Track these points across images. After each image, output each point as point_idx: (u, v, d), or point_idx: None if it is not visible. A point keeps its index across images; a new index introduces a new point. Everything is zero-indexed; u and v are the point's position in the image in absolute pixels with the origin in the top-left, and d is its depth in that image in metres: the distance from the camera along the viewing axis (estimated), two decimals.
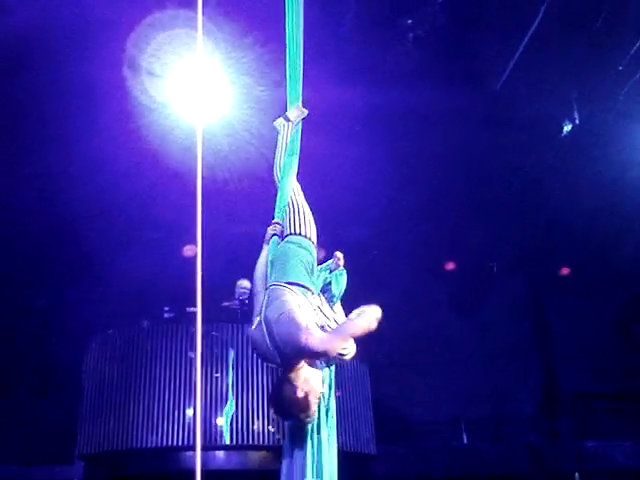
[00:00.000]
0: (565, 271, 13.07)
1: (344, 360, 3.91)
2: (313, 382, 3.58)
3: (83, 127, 8.60)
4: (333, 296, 4.16)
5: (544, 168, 10.24)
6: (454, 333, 12.38)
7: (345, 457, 8.66)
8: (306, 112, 4.49)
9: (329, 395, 3.97)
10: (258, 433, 8.11)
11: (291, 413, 3.63)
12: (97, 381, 8.83)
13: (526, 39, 7.83)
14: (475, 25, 7.89)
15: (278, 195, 4.37)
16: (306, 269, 3.95)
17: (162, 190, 9.67)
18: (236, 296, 9.45)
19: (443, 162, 10.01)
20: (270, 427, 8.18)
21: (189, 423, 8.12)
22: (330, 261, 4.30)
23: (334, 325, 3.88)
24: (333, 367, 4.05)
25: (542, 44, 7.82)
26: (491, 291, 12.93)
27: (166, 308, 9.22)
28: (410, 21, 7.82)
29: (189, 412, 8.18)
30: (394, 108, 8.62)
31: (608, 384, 12.11)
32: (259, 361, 8.42)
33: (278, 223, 4.28)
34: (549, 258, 12.85)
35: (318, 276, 4.16)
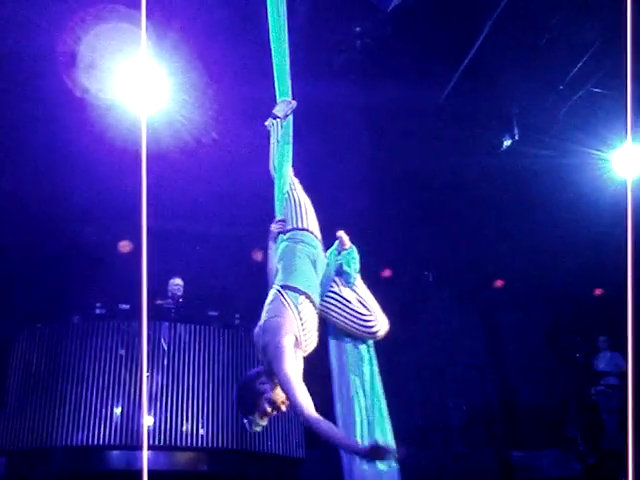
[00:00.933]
0: (499, 283, 13.29)
1: (377, 337, 4.14)
2: (278, 400, 3.62)
3: (27, 120, 8.47)
4: (349, 276, 4.17)
5: (483, 181, 10.39)
6: (391, 340, 12.43)
7: (273, 461, 8.66)
8: (294, 103, 4.50)
9: (371, 375, 4.11)
10: (187, 434, 8.03)
11: (239, 407, 3.71)
12: (23, 376, 8.62)
13: (471, 53, 7.94)
14: (420, 37, 7.97)
15: (275, 187, 4.38)
16: (311, 265, 4.01)
17: (102, 184, 9.53)
18: (169, 294, 9.37)
19: (383, 168, 10.08)
20: (201, 429, 8.10)
21: (116, 422, 7.99)
22: (336, 243, 4.30)
23: (356, 305, 4.07)
24: (371, 342, 4.18)
25: (486, 58, 7.94)
26: (427, 301, 13.04)
27: (98, 304, 9.06)
28: (358, 29, 7.87)
29: (117, 410, 8.05)
30: (339, 111, 8.66)
31: (536, 396, 12.34)
32: (190, 361, 8.37)
33: (281, 220, 4.28)
34: (485, 271, 13.04)
35: (328, 264, 4.18)
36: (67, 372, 8.27)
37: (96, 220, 10.58)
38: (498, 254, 12.23)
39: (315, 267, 4.04)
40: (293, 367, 3.54)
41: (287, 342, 3.60)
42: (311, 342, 3.85)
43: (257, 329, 3.78)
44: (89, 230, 10.74)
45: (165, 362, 8.28)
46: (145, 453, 4.02)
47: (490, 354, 13.06)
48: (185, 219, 10.50)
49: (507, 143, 9.32)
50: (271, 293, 3.91)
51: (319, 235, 4.24)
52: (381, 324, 4.11)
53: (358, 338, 4.13)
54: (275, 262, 4.14)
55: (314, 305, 3.92)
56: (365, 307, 4.12)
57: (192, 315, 9.00)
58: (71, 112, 8.19)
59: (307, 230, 4.16)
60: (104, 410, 8.02)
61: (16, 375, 8.74)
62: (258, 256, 9.47)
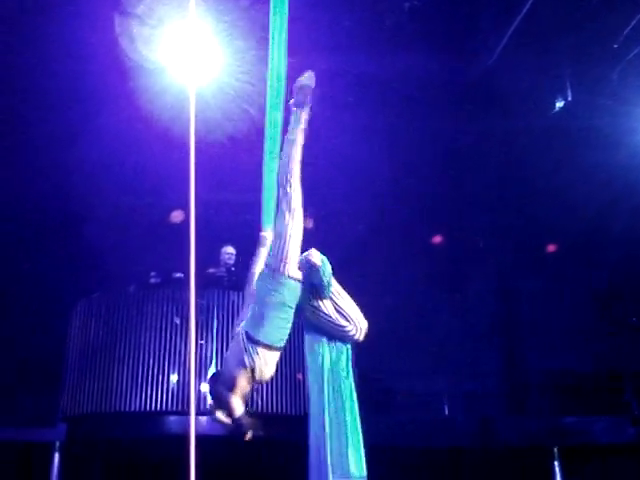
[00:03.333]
0: (551, 248, 13.12)
1: (357, 341, 4.12)
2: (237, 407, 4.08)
3: (73, 88, 8.51)
4: (324, 290, 4.07)
5: (534, 145, 10.24)
6: (434, 308, 12.43)
7: None
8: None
9: (346, 376, 4.12)
10: None
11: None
12: (82, 344, 8.83)
13: (522, 14, 7.78)
14: None
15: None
16: (283, 310, 4.06)
17: (152, 155, 9.60)
18: (222, 263, 9.45)
19: (433, 136, 9.98)
20: (254, 394, 8.21)
21: (173, 388, 8.14)
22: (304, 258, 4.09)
23: (335, 317, 4.11)
24: (349, 346, 4.18)
25: (538, 19, 7.78)
26: (472, 267, 12.97)
27: (153, 273, 9.20)
28: None
29: (173, 377, 8.19)
30: (387, 79, 8.58)
31: (590, 362, 12.21)
32: None
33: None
34: (530, 235, 12.89)
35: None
36: (124, 340, 8.44)
37: (149, 190, 10.68)
38: (551, 218, 12.07)
39: (291, 307, 4.07)
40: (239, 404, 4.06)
41: (235, 400, 4.06)
42: (268, 373, 4.10)
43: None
44: (141, 201, 10.87)
45: (219, 329, 8.38)
46: (192, 419, 4.12)
47: (543, 319, 12.94)
48: (236, 189, 10.56)
49: (560, 105, 9.14)
50: (237, 331, 4.09)
51: (299, 279, 4.03)
52: (360, 330, 4.08)
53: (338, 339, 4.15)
54: (254, 273, 4.28)
55: (277, 349, 4.06)
56: (344, 317, 4.11)
57: (244, 283, 9.07)
58: (122, 80, 8.23)
59: (287, 277, 3.97)
60: (161, 377, 8.18)
61: (75, 344, 8.96)
62: (307, 223, 9.46)
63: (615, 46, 8.28)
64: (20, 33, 7.82)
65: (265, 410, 8.21)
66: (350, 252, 10.06)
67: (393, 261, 12.02)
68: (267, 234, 4.42)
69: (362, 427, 3.99)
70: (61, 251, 10.64)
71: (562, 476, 10.63)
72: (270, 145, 4.34)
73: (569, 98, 9.00)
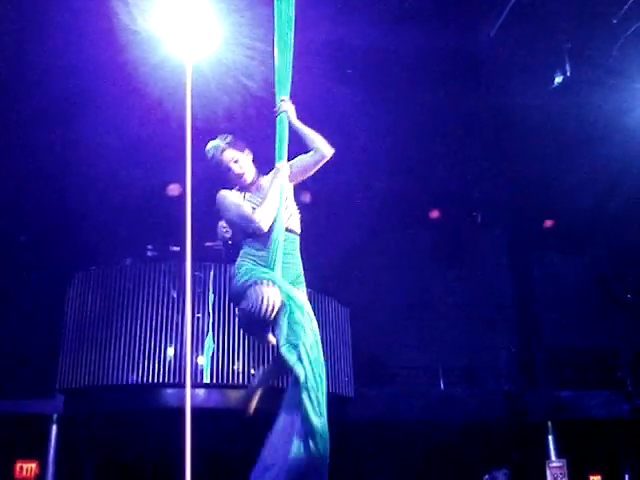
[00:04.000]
0: (548, 224, 13.12)
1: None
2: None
3: (69, 61, 8.45)
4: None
5: (532, 121, 10.20)
6: (436, 283, 12.47)
7: None
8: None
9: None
10: (238, 373, 8.19)
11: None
12: (79, 317, 8.86)
13: None
14: None
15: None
16: None
17: (149, 128, 9.55)
18: (219, 236, 9.44)
19: (432, 109, 9.93)
20: (251, 368, 8.25)
21: (169, 361, 8.18)
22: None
23: None
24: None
25: None
26: (474, 243, 12.99)
27: (149, 246, 9.21)
28: None
29: (170, 350, 8.23)
30: (387, 51, 8.52)
31: (586, 338, 12.28)
32: None
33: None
34: (533, 212, 12.89)
35: None
36: (121, 313, 8.47)
37: (144, 163, 10.65)
38: (549, 194, 12.06)
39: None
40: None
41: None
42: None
43: None
44: (136, 174, 10.84)
45: (215, 303, 8.41)
46: (188, 391, 4.12)
47: (539, 296, 12.99)
48: None
49: (558, 79, 9.09)
50: None
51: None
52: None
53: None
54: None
55: None
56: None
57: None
58: (118, 52, 8.18)
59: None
60: (157, 350, 8.22)
61: (72, 317, 8.99)
62: (306, 197, 9.45)
63: (614, 21, 8.23)
64: (13, 9, 7.75)
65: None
66: (352, 230, 10.09)
67: (395, 237, 12.05)
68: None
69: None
70: (58, 224, 10.63)
71: (556, 450, 10.73)
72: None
73: (568, 73, 8.95)
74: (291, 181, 4.18)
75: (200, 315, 8.39)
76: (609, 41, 8.62)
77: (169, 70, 7.81)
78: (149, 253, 9.23)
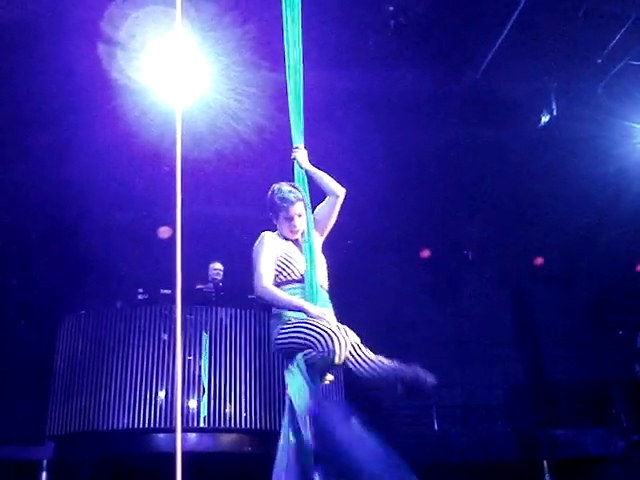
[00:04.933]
0: (539, 261, 13.18)
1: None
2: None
3: (59, 106, 8.50)
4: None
5: (520, 158, 10.30)
6: (429, 319, 12.45)
7: None
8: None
9: None
10: (231, 416, 8.12)
11: None
12: (69, 361, 8.78)
13: (507, 27, 7.84)
14: (456, 13, 7.89)
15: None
16: None
17: (139, 171, 9.60)
18: (209, 279, 9.44)
19: (421, 149, 10.02)
20: (243, 411, 8.18)
21: (161, 405, 8.10)
22: None
23: None
24: None
25: (523, 33, 7.84)
26: (466, 280, 13.01)
27: (140, 290, 9.18)
28: (391, 8, 7.79)
29: (161, 394, 8.16)
30: (374, 93, 8.61)
31: (579, 374, 12.24)
32: (231, 344, 8.45)
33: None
34: (523, 248, 12.94)
35: None
36: (111, 357, 8.40)
37: (135, 206, 10.68)
38: (538, 230, 12.13)
39: None
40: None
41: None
42: None
43: None
44: (127, 216, 10.85)
45: (207, 345, 8.37)
46: (179, 436, 4.06)
47: (532, 332, 12.98)
48: (224, 204, 10.57)
49: (545, 119, 9.21)
50: None
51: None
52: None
53: None
54: None
55: None
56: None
57: (232, 299, 9.08)
58: (109, 98, 8.24)
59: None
60: (149, 394, 8.14)
61: (61, 361, 8.91)
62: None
63: (599, 61, 8.36)
64: (9, 52, 7.81)
65: (252, 426, 8.18)
66: (342, 266, 10.07)
67: (389, 274, 12.05)
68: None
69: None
70: (48, 267, 10.61)
71: None
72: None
73: (554, 112, 9.07)
74: (320, 234, 4.35)
75: (191, 357, 8.33)
76: (594, 80, 8.75)
77: (159, 114, 7.88)
78: (139, 296, 9.19)
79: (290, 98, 4.37)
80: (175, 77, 5.55)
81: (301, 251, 4.23)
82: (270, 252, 4.23)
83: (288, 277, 4.15)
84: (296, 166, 4.37)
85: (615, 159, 9.92)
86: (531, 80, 8.93)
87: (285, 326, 3.99)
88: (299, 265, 4.17)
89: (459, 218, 11.86)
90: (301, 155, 4.37)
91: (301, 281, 4.11)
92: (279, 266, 4.20)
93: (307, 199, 4.29)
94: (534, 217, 11.67)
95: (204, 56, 7.59)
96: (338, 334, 3.78)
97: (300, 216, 4.24)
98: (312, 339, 3.80)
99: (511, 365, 12.66)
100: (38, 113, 8.62)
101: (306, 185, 4.32)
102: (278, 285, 4.15)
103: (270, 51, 7.15)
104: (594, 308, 13.00)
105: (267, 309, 8.38)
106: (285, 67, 4.39)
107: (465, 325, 12.53)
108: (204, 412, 8.07)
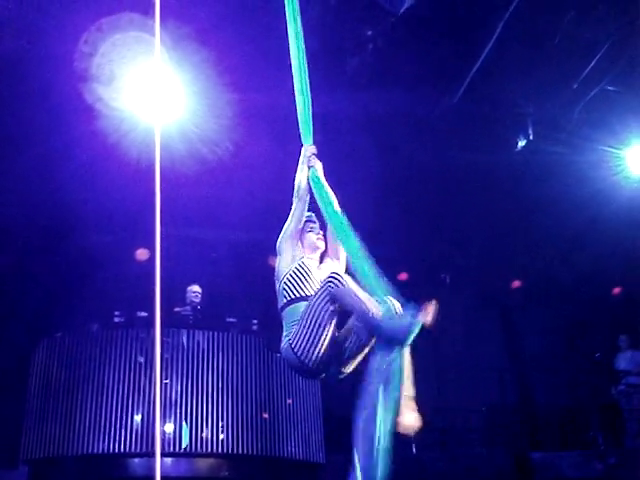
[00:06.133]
0: (516, 284, 13.26)
1: None
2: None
3: (37, 128, 8.48)
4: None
5: (498, 181, 10.37)
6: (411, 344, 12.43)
7: (293, 466, 8.66)
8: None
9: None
10: (207, 440, 8.05)
11: None
12: (44, 384, 8.68)
13: (484, 53, 7.92)
14: (434, 39, 7.96)
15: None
16: None
17: (116, 193, 9.57)
18: (187, 301, 9.39)
19: (399, 173, 10.06)
20: (220, 435, 8.12)
21: (137, 429, 8.02)
22: None
23: None
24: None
25: (500, 59, 7.92)
26: (443, 304, 13.01)
27: (116, 312, 9.11)
28: (370, 32, 7.85)
29: (137, 418, 8.08)
30: (352, 117, 8.66)
31: (555, 396, 12.28)
32: (209, 368, 8.40)
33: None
34: (500, 271, 13.01)
35: None
36: (87, 380, 8.31)
37: (113, 229, 10.63)
38: (514, 254, 12.20)
39: None
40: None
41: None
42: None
43: None
44: (105, 239, 10.80)
45: (184, 369, 8.31)
46: (158, 460, 4.01)
47: (509, 355, 13.02)
48: (202, 226, 10.55)
49: (522, 143, 9.30)
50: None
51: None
52: None
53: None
54: None
55: None
56: None
57: (210, 322, 9.04)
58: (85, 122, 8.23)
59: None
60: (124, 417, 8.05)
61: (36, 384, 8.81)
62: (274, 262, 9.46)
63: (575, 86, 8.46)
64: None
65: (233, 451, 8.12)
66: None
67: None
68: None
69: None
70: (24, 289, 10.51)
71: None
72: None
73: (531, 137, 9.17)
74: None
75: (168, 381, 8.26)
76: (570, 105, 8.86)
77: (137, 136, 7.87)
78: (116, 319, 9.12)
79: (297, 94, 4.47)
80: (153, 99, 5.56)
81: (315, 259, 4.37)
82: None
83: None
84: (311, 178, 4.40)
85: (591, 182, 10.02)
86: (508, 105, 9.03)
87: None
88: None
89: (436, 240, 11.91)
90: (318, 165, 4.45)
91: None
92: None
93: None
94: (512, 240, 11.74)
95: (182, 79, 7.60)
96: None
97: (318, 235, 4.43)
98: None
99: (489, 389, 12.67)
100: (15, 136, 8.59)
101: (326, 195, 4.36)
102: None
103: (248, 74, 7.22)
104: (571, 330, 13.07)
105: (244, 332, 8.33)
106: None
107: (443, 348, 12.53)
108: (185, 437, 8.01)
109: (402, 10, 7.12)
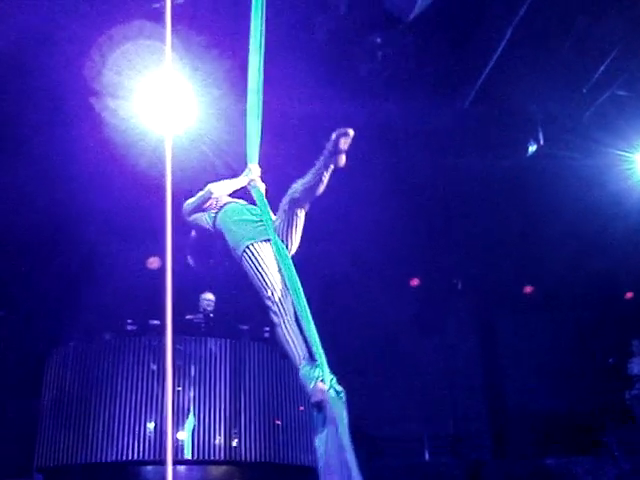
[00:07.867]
0: (528, 289, 13.21)
1: None
2: None
3: (51, 138, 8.52)
4: None
5: (509, 187, 10.36)
6: (416, 350, 12.42)
7: (302, 472, 8.65)
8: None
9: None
10: (220, 447, 8.05)
11: None
12: (57, 393, 8.70)
13: (493, 59, 7.92)
14: (443, 45, 7.96)
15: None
16: None
17: (128, 201, 9.60)
18: (200, 309, 9.40)
19: (409, 179, 10.06)
20: (233, 442, 8.12)
21: (150, 437, 8.03)
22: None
23: None
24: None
25: (510, 63, 7.92)
26: (452, 309, 13.01)
27: (129, 321, 9.13)
28: (379, 40, 7.86)
29: (150, 426, 8.09)
30: (362, 125, 8.64)
31: (570, 402, 12.23)
32: (221, 375, 8.40)
33: None
34: (509, 275, 12.97)
35: None
36: (100, 389, 8.33)
37: (125, 237, 10.65)
38: (526, 258, 12.17)
39: None
40: None
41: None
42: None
43: None
44: (118, 246, 10.83)
45: (196, 376, 8.32)
46: (170, 467, 4.02)
47: (522, 360, 12.97)
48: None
49: (532, 149, 9.29)
50: None
51: None
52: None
53: None
54: None
55: None
56: None
57: (222, 329, 9.04)
58: (96, 131, 8.26)
59: None
60: (137, 425, 8.06)
61: (50, 393, 8.83)
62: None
63: (585, 91, 8.45)
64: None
65: (245, 458, 8.12)
66: (328, 295, 10.09)
67: (372, 304, 12.03)
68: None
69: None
70: (36, 299, 10.55)
71: None
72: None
73: (541, 142, 9.15)
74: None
75: (180, 388, 8.28)
76: (581, 109, 8.84)
77: (148, 145, 7.89)
78: (128, 327, 9.14)
79: (249, 114, 4.44)
80: (164, 108, 5.58)
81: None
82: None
83: None
84: (256, 194, 4.44)
85: (602, 186, 9.99)
86: (518, 110, 9.02)
87: None
88: None
89: (447, 247, 11.89)
90: (263, 188, 4.50)
91: None
92: None
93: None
94: (524, 245, 11.71)
95: (193, 88, 7.63)
96: None
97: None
98: None
99: (501, 393, 12.64)
100: (28, 147, 8.63)
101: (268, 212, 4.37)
102: None
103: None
104: (585, 335, 13.02)
105: (256, 340, 8.33)
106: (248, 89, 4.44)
107: (455, 352, 12.51)
108: (193, 444, 8.01)
109: (411, 17, 7.12)
